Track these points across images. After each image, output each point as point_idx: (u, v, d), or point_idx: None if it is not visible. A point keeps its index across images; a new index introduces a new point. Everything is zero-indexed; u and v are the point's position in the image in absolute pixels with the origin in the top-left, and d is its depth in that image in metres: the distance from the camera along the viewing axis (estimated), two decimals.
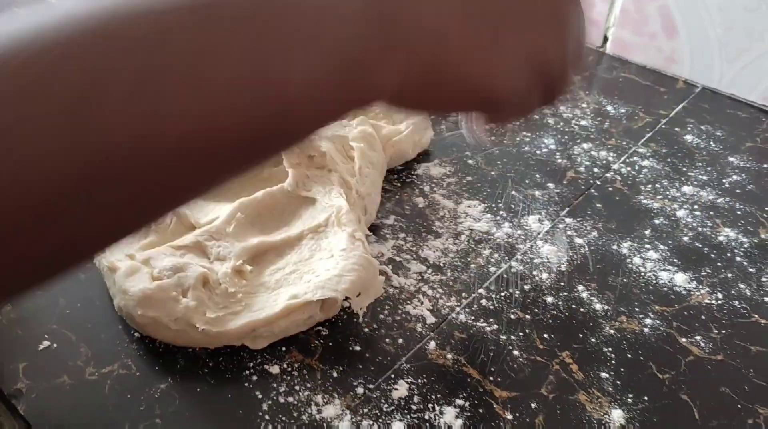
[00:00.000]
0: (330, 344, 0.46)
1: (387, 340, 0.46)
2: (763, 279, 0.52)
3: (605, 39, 0.85)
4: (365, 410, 0.41)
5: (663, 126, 0.71)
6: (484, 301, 0.49)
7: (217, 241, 0.48)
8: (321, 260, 0.47)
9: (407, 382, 0.43)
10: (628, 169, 0.64)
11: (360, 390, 0.43)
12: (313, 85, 0.24)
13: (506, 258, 0.53)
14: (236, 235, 0.49)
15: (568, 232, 0.56)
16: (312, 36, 0.23)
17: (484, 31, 0.27)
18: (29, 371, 0.43)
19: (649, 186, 0.62)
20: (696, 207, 0.59)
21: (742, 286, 0.51)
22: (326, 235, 0.49)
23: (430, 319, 0.48)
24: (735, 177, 0.63)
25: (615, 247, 0.55)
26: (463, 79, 0.28)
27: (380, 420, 0.41)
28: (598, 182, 0.62)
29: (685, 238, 0.56)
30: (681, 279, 0.52)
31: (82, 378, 0.42)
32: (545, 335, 0.47)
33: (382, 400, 0.42)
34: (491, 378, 0.44)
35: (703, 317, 0.49)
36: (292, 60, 0.23)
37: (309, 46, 0.23)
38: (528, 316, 0.48)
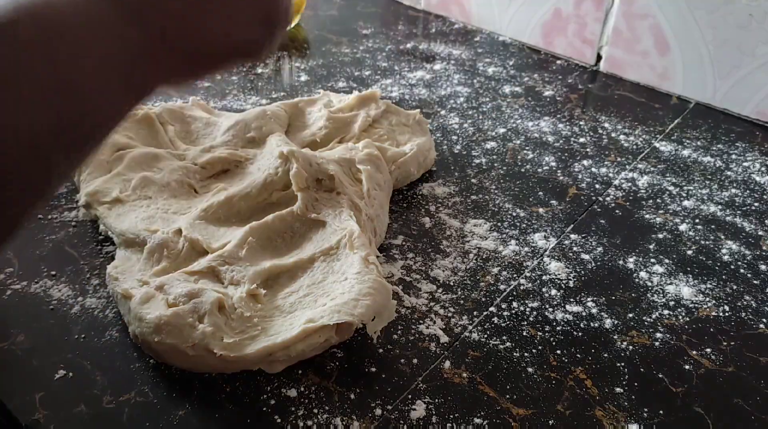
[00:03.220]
0: (346, 366, 0.46)
1: (402, 360, 0.46)
2: None
3: (599, 57, 0.86)
4: None
5: (660, 141, 0.72)
6: (495, 319, 0.50)
7: (230, 266, 0.48)
8: (335, 283, 0.47)
9: (424, 402, 0.43)
10: (629, 184, 0.65)
11: (378, 411, 0.43)
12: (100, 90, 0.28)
13: (515, 275, 0.54)
14: (248, 259, 0.49)
15: (574, 249, 0.57)
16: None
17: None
18: (46, 401, 0.42)
19: (650, 201, 0.63)
20: (697, 221, 0.60)
21: (747, 298, 0.52)
22: (338, 257, 0.49)
23: (444, 339, 0.48)
24: (733, 190, 0.64)
25: (621, 262, 0.55)
26: (216, 39, 0.33)
27: None
28: (600, 198, 0.63)
29: (689, 252, 0.57)
30: (687, 292, 0.52)
31: (100, 407, 0.42)
32: (558, 351, 0.47)
33: (401, 421, 0.42)
34: (507, 396, 0.44)
35: (711, 330, 0.49)
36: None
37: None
38: (540, 333, 0.49)
